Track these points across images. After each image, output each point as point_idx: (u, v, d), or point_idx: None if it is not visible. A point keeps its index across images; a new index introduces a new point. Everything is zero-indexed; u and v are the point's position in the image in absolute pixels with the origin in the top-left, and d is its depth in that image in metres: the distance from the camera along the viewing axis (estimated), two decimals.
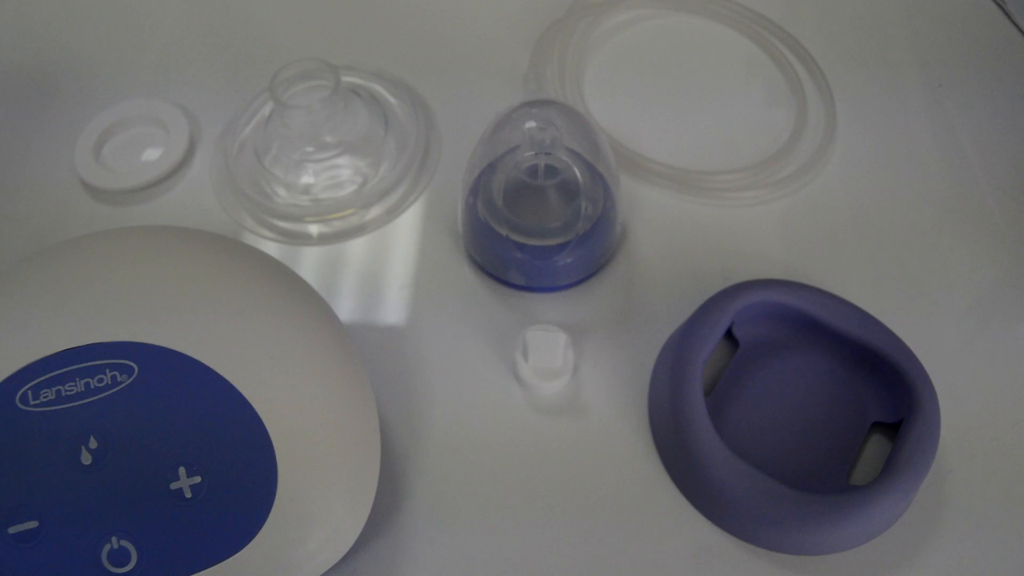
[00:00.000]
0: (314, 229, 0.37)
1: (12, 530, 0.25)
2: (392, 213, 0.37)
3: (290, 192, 0.37)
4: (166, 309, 0.27)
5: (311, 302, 0.29)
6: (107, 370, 0.26)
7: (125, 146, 0.40)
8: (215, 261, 0.29)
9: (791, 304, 0.31)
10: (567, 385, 0.31)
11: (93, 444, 0.26)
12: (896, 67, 0.41)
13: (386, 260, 0.36)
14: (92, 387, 0.26)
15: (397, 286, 0.35)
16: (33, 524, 0.25)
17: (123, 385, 0.26)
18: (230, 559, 0.25)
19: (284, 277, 0.29)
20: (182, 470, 0.25)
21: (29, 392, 0.26)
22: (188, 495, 0.25)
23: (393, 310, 0.34)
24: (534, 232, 0.32)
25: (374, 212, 0.37)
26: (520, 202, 0.32)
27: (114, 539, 0.25)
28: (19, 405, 0.26)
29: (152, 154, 0.39)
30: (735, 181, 0.36)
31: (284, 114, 0.35)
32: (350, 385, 0.28)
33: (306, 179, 0.37)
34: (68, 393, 0.26)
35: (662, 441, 0.30)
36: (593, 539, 0.29)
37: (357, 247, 0.36)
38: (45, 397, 0.26)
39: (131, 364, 0.26)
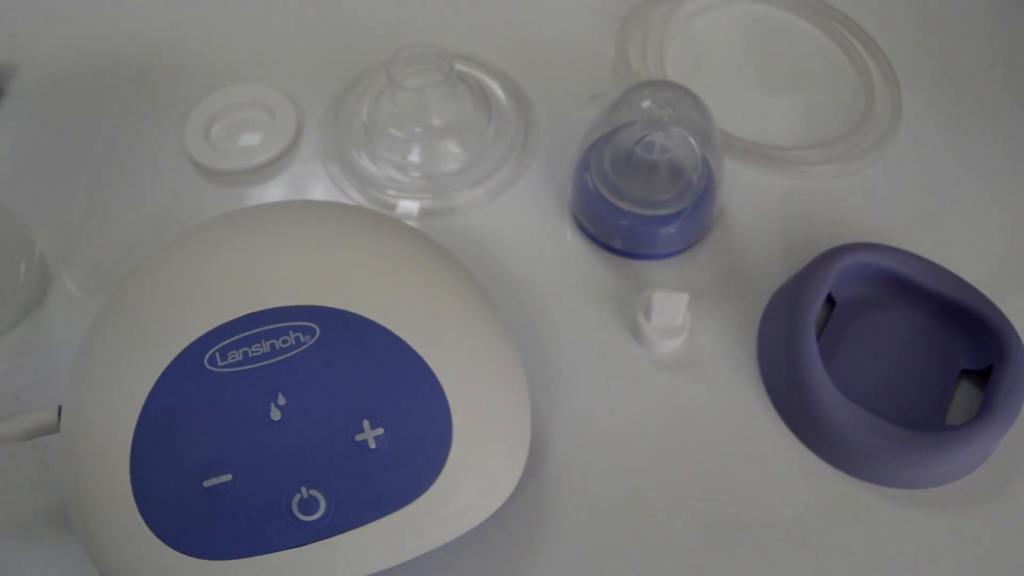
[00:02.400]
0: (416, 205, 0.39)
1: (207, 483, 0.27)
2: (494, 193, 0.39)
3: (397, 169, 0.39)
4: (343, 275, 0.29)
5: (461, 269, 0.31)
6: (291, 332, 0.28)
7: (232, 130, 0.41)
8: (380, 231, 0.31)
9: (885, 265, 0.34)
10: (683, 343, 0.34)
11: (281, 401, 0.27)
12: (953, 49, 0.44)
13: (493, 236, 0.38)
14: (277, 348, 0.28)
15: (507, 258, 0.37)
16: (227, 477, 0.27)
17: (306, 345, 0.28)
18: (409, 506, 0.27)
19: (436, 247, 0.31)
20: (366, 422, 0.27)
21: (217, 354, 0.28)
22: (372, 446, 0.27)
23: (506, 282, 0.36)
24: (645, 203, 0.35)
25: (478, 192, 0.39)
26: (632, 174, 0.34)
27: (303, 489, 0.27)
28: (208, 366, 0.28)
29: (257, 137, 0.40)
30: (813, 156, 0.39)
31: (397, 94, 0.37)
32: (504, 345, 0.30)
33: (412, 158, 0.39)
34: (255, 354, 0.28)
35: (776, 388, 0.33)
36: (717, 482, 0.31)
37: (461, 225, 0.38)
38: (233, 358, 0.28)
39: (313, 326, 0.28)
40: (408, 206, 0.39)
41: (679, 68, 0.42)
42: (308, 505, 0.27)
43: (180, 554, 0.26)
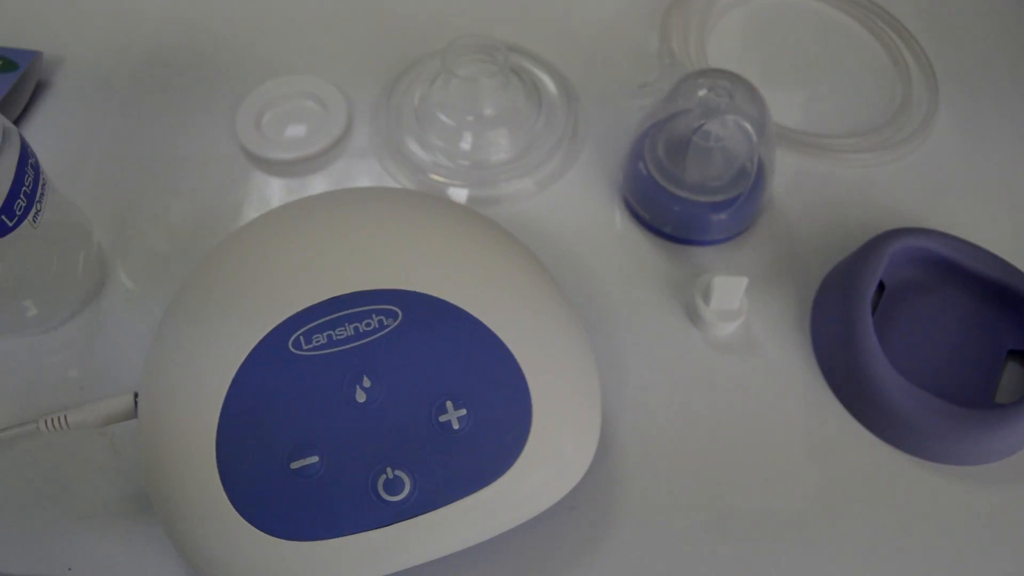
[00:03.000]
0: (464, 193, 0.39)
1: (294, 465, 0.27)
2: (542, 184, 0.39)
3: (446, 156, 0.39)
4: (423, 259, 0.29)
5: (531, 254, 0.31)
6: (373, 315, 0.28)
7: (282, 120, 0.41)
8: (455, 217, 0.31)
9: (933, 249, 0.35)
10: (739, 326, 0.35)
11: (367, 383, 0.28)
12: (988, 35, 0.45)
13: (543, 224, 0.38)
14: (361, 331, 0.28)
15: (558, 245, 0.37)
16: (314, 459, 0.27)
17: (389, 328, 0.28)
18: (489, 486, 0.28)
19: (506, 233, 0.32)
20: (449, 403, 0.28)
21: (301, 338, 0.28)
22: (456, 427, 0.28)
23: (558, 268, 0.36)
24: (699, 189, 0.35)
25: (526, 182, 0.39)
26: (687, 161, 0.35)
27: (388, 469, 0.27)
28: (292, 350, 0.28)
29: (308, 127, 0.41)
30: (855, 144, 0.40)
31: (451, 82, 0.38)
32: (576, 330, 0.30)
33: (463, 146, 0.39)
34: (339, 337, 0.28)
35: (832, 367, 0.34)
36: (776, 459, 0.32)
37: (510, 213, 0.39)
38: (317, 342, 0.28)
39: (395, 309, 0.28)
40: (456, 193, 0.39)
41: (720, 57, 0.43)
42: (393, 485, 0.27)
43: (267, 535, 0.27)
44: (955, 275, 0.35)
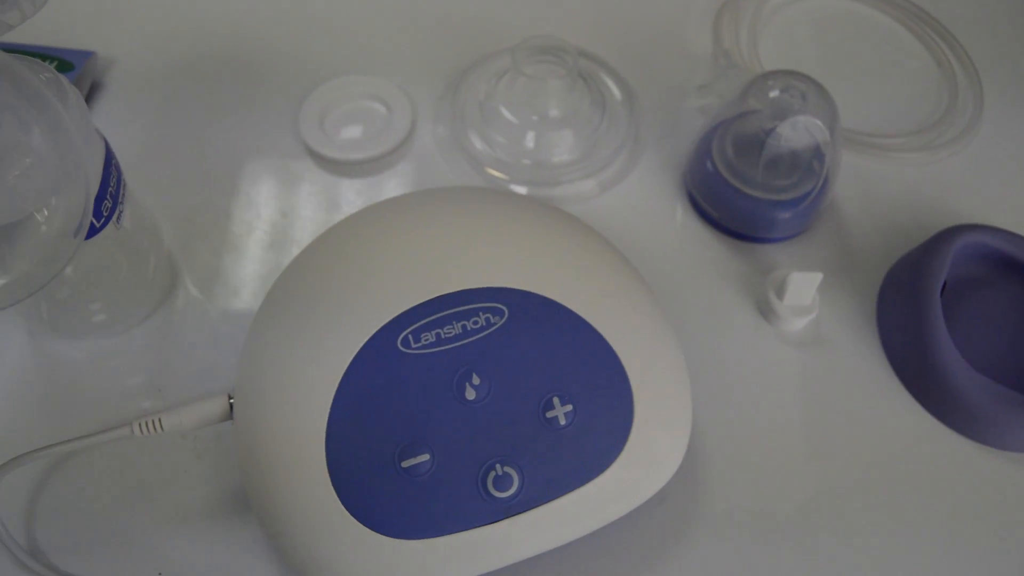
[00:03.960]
0: (524, 191, 0.39)
1: (405, 464, 0.27)
2: (605, 186, 0.40)
3: (508, 154, 0.40)
4: (527, 258, 0.30)
5: (621, 254, 0.32)
6: (480, 313, 0.29)
7: (345, 120, 0.41)
8: (550, 217, 0.31)
9: (995, 245, 0.36)
10: (811, 321, 0.36)
11: (476, 380, 0.28)
12: None
13: (607, 225, 0.38)
14: (468, 329, 0.28)
15: (624, 245, 0.38)
16: (425, 457, 0.27)
17: (496, 326, 0.28)
18: (593, 481, 0.28)
19: (597, 232, 0.32)
20: (556, 399, 0.28)
21: (410, 336, 0.28)
22: (562, 422, 0.28)
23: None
24: (768, 187, 0.36)
25: (589, 184, 0.40)
26: (756, 160, 0.36)
27: (498, 466, 0.28)
28: (401, 348, 0.28)
29: (372, 126, 0.41)
30: (903, 144, 0.41)
31: (518, 80, 0.38)
32: (667, 327, 0.31)
33: (526, 145, 0.40)
34: (447, 335, 0.28)
35: (901, 359, 0.35)
36: (851, 451, 0.33)
37: (576, 214, 0.39)
38: (426, 340, 0.28)
39: (501, 307, 0.29)
40: (516, 191, 0.40)
41: (771, 58, 0.44)
42: (502, 482, 0.27)
43: (378, 535, 0.27)
44: (1015, 270, 0.36)
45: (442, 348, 0.28)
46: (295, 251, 0.37)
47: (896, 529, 0.32)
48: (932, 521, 0.32)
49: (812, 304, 0.35)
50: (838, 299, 0.37)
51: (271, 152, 0.40)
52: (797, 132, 0.35)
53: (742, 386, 0.34)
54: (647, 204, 0.40)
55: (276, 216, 0.38)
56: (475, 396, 0.27)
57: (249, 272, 0.37)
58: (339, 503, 0.27)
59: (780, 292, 0.35)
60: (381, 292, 0.28)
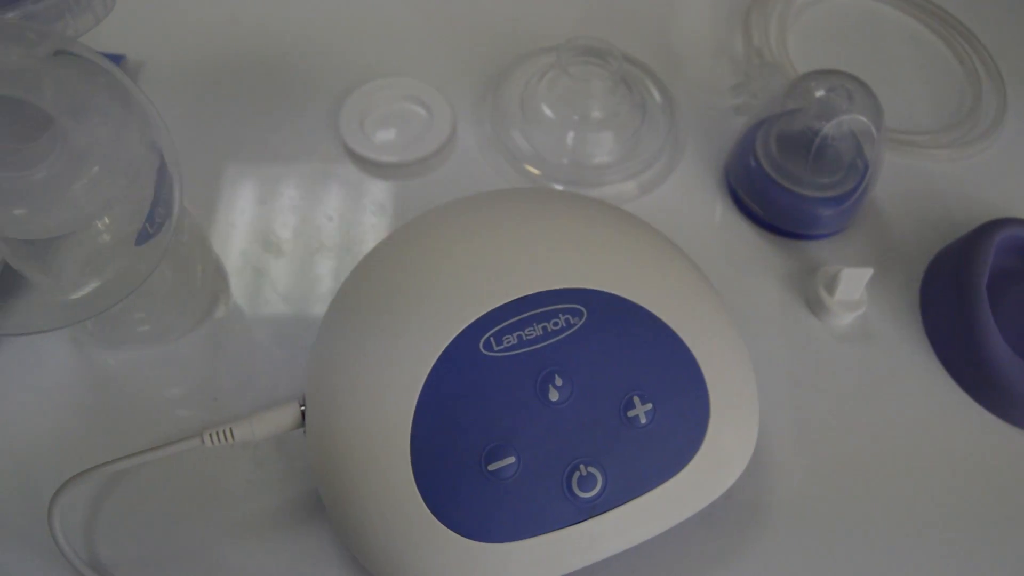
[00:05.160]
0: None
1: (492, 467, 0.27)
2: (645, 188, 0.40)
3: (548, 153, 0.40)
4: (603, 258, 0.30)
5: (686, 253, 0.32)
6: (560, 314, 0.29)
7: (385, 123, 0.41)
8: (620, 218, 0.32)
9: None
10: (858, 316, 0.36)
11: (559, 381, 0.28)
12: None
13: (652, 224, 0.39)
14: (549, 330, 0.28)
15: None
16: (511, 459, 0.27)
17: (576, 327, 0.28)
18: (672, 479, 0.28)
19: (663, 234, 0.32)
20: (636, 398, 0.28)
21: (492, 339, 0.28)
22: (643, 421, 0.28)
23: None
24: (813, 185, 0.37)
25: (629, 186, 0.40)
26: (802, 157, 0.36)
27: (582, 466, 0.28)
28: (483, 351, 0.28)
29: (414, 127, 0.40)
30: (930, 141, 0.42)
31: (561, 80, 0.38)
32: (733, 325, 0.31)
33: (566, 145, 0.40)
34: (528, 337, 0.28)
35: (947, 350, 0.36)
36: (899, 438, 0.34)
37: None
38: (508, 342, 0.28)
39: (580, 308, 0.29)
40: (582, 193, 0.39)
41: (799, 57, 0.44)
42: (587, 482, 0.28)
43: (465, 538, 0.27)
44: None
45: (524, 350, 0.28)
46: (344, 255, 0.37)
47: (946, 519, 0.33)
48: (983, 510, 0.33)
49: (861, 299, 0.36)
50: (881, 294, 0.38)
51: (311, 155, 0.40)
52: (844, 131, 0.36)
53: (794, 380, 0.35)
54: (688, 204, 0.40)
55: (321, 220, 0.38)
56: (558, 397, 0.27)
57: (297, 277, 0.37)
58: (425, 508, 0.27)
59: (830, 287, 0.35)
60: (461, 295, 0.28)
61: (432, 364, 0.27)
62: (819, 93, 0.35)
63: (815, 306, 0.36)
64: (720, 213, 0.40)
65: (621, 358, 0.28)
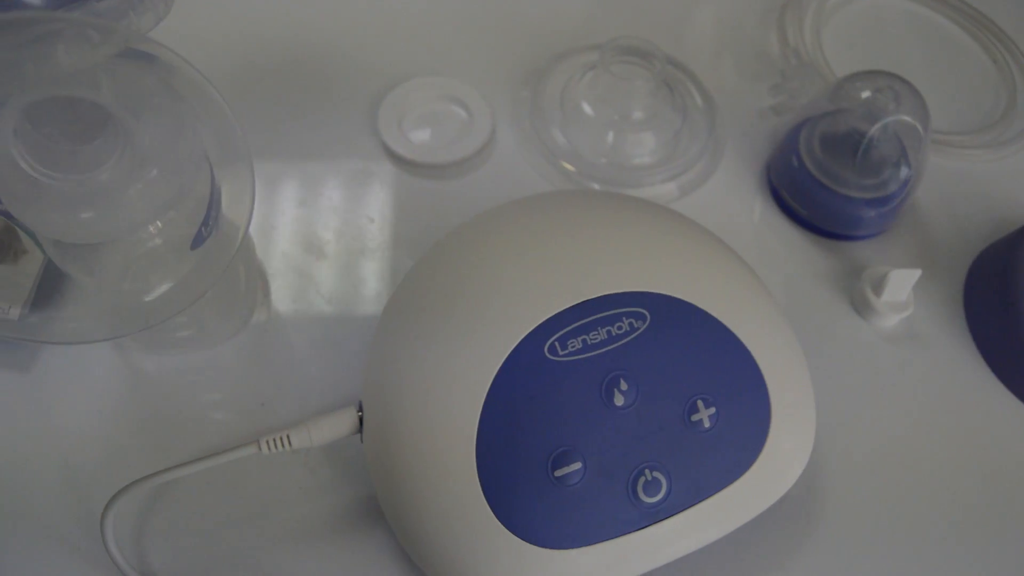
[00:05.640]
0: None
1: (558, 473, 0.27)
2: (685, 189, 0.40)
3: (587, 152, 0.39)
4: (663, 262, 0.30)
5: (741, 257, 0.32)
6: (623, 318, 0.28)
7: (423, 123, 0.40)
8: (677, 220, 0.31)
9: None
10: (904, 317, 0.36)
11: (624, 386, 0.28)
12: None
13: None
14: (613, 334, 0.28)
15: None
16: (577, 465, 0.27)
17: (640, 331, 0.28)
18: (736, 482, 0.28)
19: (717, 236, 0.32)
20: (699, 402, 0.28)
21: (556, 343, 0.28)
22: (707, 425, 0.28)
23: None
24: (858, 186, 0.37)
25: (669, 187, 0.40)
26: (848, 158, 0.36)
27: (647, 471, 0.27)
28: (548, 356, 0.28)
29: (454, 128, 0.40)
30: (966, 141, 0.42)
31: (602, 79, 0.38)
32: (790, 329, 0.31)
33: (606, 144, 0.40)
34: (593, 341, 0.28)
35: (992, 348, 0.36)
36: (947, 439, 0.34)
37: None
38: (572, 347, 0.28)
39: (643, 312, 0.28)
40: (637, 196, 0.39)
41: (833, 57, 0.44)
42: (652, 487, 0.27)
43: (532, 546, 0.27)
44: None
45: (590, 354, 0.27)
46: (387, 257, 0.37)
47: (994, 523, 0.33)
48: None
49: (908, 300, 0.36)
50: (924, 294, 0.37)
51: (350, 156, 0.39)
52: (891, 133, 0.36)
53: (841, 381, 0.35)
54: (729, 205, 0.40)
55: (363, 221, 0.37)
56: (623, 402, 0.27)
57: (340, 279, 0.36)
58: (492, 515, 0.26)
59: (877, 288, 0.35)
60: (525, 298, 0.28)
61: (497, 369, 0.27)
62: (865, 94, 0.35)
63: (861, 307, 0.36)
64: (761, 213, 0.40)
65: (684, 362, 0.28)
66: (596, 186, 0.39)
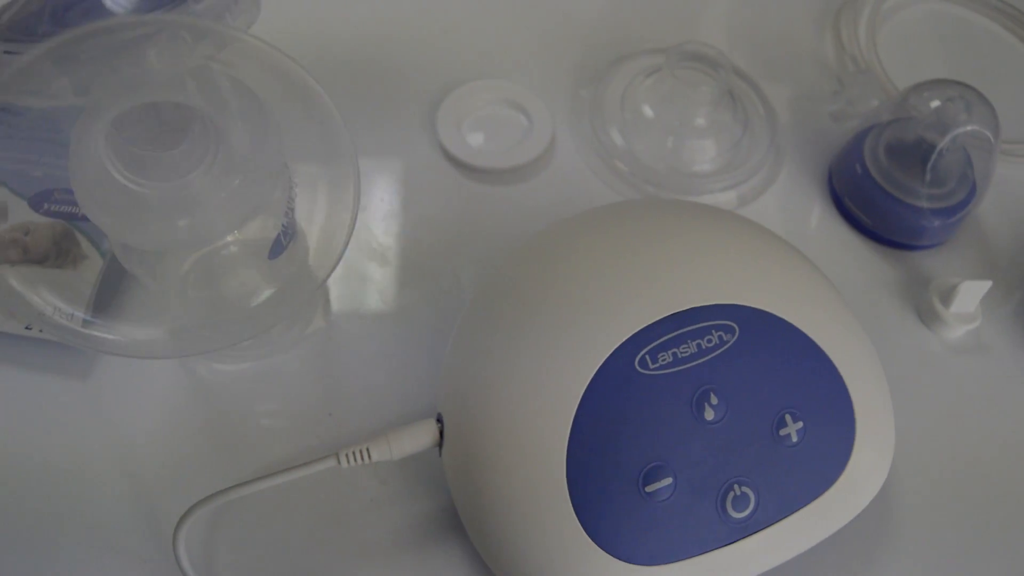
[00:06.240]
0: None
1: (649, 488, 0.26)
2: (745, 199, 0.40)
3: (648, 158, 0.39)
4: (751, 275, 0.29)
5: (819, 268, 0.32)
6: (713, 331, 0.28)
7: (482, 127, 0.40)
8: (758, 231, 0.31)
9: None
10: (972, 328, 0.36)
11: (714, 400, 0.27)
12: None
13: None
14: (703, 348, 0.28)
15: None
16: (668, 481, 0.27)
17: (729, 344, 0.28)
18: (821, 497, 0.28)
19: (796, 248, 0.32)
20: (787, 416, 0.28)
21: (647, 356, 0.27)
22: (794, 439, 0.28)
23: None
24: (926, 196, 0.36)
25: (729, 195, 0.39)
26: (916, 168, 0.36)
27: (736, 486, 0.27)
28: (639, 370, 0.27)
29: (513, 133, 0.40)
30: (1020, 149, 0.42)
31: (666, 84, 0.38)
32: (870, 342, 0.31)
33: (666, 149, 0.39)
34: (683, 355, 0.27)
35: None
36: (1018, 450, 0.34)
37: None
38: (663, 360, 0.27)
39: (732, 324, 0.28)
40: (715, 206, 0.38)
41: (890, 62, 0.44)
42: (740, 502, 0.27)
43: (622, 562, 0.26)
44: None
45: (680, 368, 0.27)
46: (450, 263, 0.36)
47: None
48: None
49: (976, 312, 0.35)
50: (989, 305, 0.37)
51: (410, 160, 0.39)
52: (960, 143, 0.35)
53: (910, 391, 0.35)
54: (790, 213, 0.40)
55: (424, 227, 0.37)
56: (713, 416, 0.27)
57: (402, 285, 0.36)
58: (582, 531, 0.26)
59: (946, 299, 0.35)
60: (616, 311, 0.27)
61: (588, 382, 0.26)
62: (935, 103, 0.35)
63: (928, 317, 0.36)
64: (823, 222, 0.39)
65: (772, 375, 0.28)
66: (653, 191, 0.39)
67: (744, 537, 0.27)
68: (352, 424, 0.32)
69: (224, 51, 0.23)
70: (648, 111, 0.39)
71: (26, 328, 0.33)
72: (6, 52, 0.22)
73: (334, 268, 0.27)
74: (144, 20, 0.23)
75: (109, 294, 0.33)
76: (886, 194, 0.37)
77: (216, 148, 0.23)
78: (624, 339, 0.27)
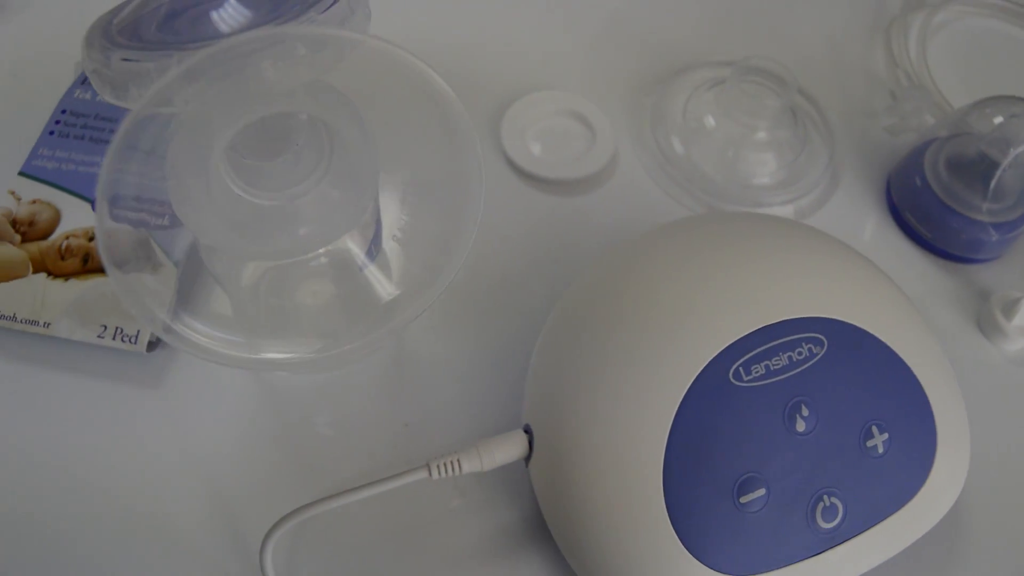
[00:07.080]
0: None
1: (744, 499, 0.27)
2: (803, 213, 0.40)
3: (709, 170, 0.39)
4: (837, 288, 0.29)
5: (892, 279, 0.32)
6: (803, 343, 0.28)
7: (544, 136, 0.40)
8: (836, 244, 0.31)
9: None
10: None
11: (805, 412, 0.28)
12: None
13: None
14: (794, 360, 0.28)
15: None
16: (761, 492, 0.27)
17: (818, 357, 0.28)
18: (903, 508, 0.28)
19: (871, 260, 0.32)
20: (874, 428, 0.28)
21: (741, 368, 0.28)
22: (880, 451, 0.28)
23: None
24: (987, 210, 0.37)
25: (787, 209, 0.40)
26: (978, 182, 0.37)
27: (825, 497, 0.27)
28: (733, 381, 0.27)
29: (576, 143, 0.40)
30: None
31: (731, 96, 0.38)
32: (946, 354, 0.31)
33: (726, 160, 0.40)
34: (775, 367, 0.28)
35: None
36: None
37: None
38: (756, 372, 0.28)
39: (821, 337, 0.28)
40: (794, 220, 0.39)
41: (940, 78, 0.44)
42: (829, 512, 0.27)
43: (717, 572, 0.26)
44: None
45: (773, 380, 0.27)
46: (520, 273, 0.36)
47: None
48: None
49: None
50: None
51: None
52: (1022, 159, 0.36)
53: (975, 403, 0.35)
54: (849, 228, 0.40)
55: (493, 234, 0.37)
56: (804, 428, 0.27)
57: (475, 295, 0.36)
58: (679, 543, 0.26)
59: (1008, 312, 0.36)
60: (710, 322, 0.27)
61: (684, 393, 0.27)
62: (998, 119, 0.36)
63: (989, 330, 0.37)
64: (880, 233, 0.40)
65: (859, 387, 0.28)
66: (712, 201, 0.39)
67: (831, 547, 0.27)
68: (428, 436, 0.32)
69: (346, 60, 0.23)
70: (711, 121, 0.39)
71: (98, 337, 0.33)
72: (124, 60, 0.21)
73: (454, 276, 0.27)
74: (265, 36, 0.23)
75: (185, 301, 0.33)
76: (946, 207, 0.37)
77: (330, 158, 0.23)
78: (719, 351, 0.27)
